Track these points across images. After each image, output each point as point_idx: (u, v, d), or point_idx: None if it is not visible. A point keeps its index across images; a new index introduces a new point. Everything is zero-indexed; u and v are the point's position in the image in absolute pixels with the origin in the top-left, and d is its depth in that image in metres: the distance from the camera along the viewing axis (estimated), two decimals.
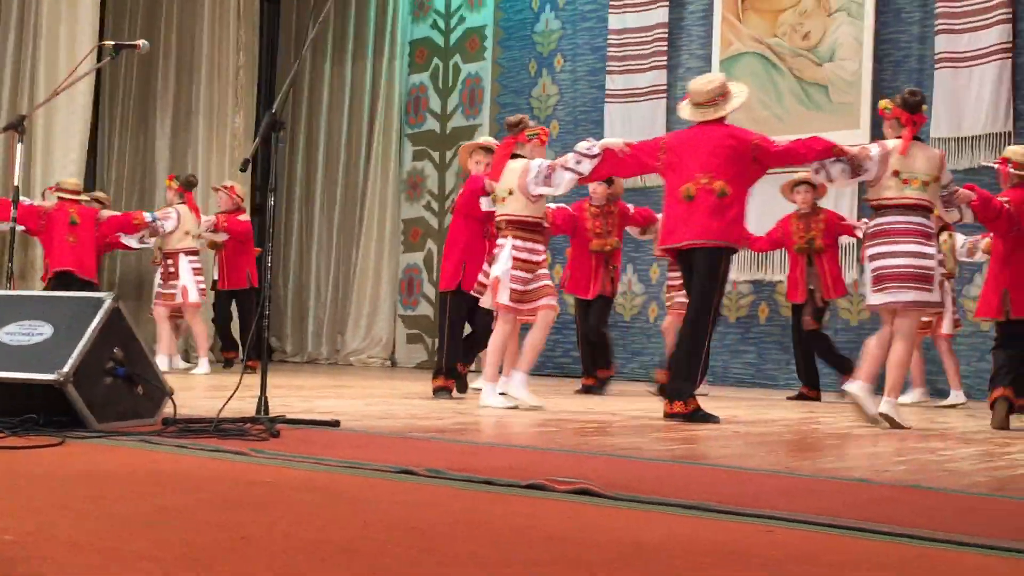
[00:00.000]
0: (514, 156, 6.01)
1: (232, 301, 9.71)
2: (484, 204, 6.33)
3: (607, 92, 11.05)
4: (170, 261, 8.97)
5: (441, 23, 12.56)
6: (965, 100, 8.98)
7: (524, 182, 5.81)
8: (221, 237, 9.25)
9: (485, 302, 6.09)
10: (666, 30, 10.73)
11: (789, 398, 8.15)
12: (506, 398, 5.88)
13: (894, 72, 9.56)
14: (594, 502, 2.57)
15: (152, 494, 2.51)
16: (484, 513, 2.43)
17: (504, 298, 5.77)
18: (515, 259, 5.80)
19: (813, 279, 7.91)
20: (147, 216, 8.92)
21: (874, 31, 9.59)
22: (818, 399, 7.95)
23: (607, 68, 11.09)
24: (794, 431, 5.18)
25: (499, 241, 5.98)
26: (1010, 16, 8.88)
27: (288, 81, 4.04)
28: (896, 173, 5.34)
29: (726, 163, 5.37)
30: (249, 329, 9.28)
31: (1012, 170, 5.91)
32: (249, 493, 2.58)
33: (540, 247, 6.08)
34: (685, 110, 5.71)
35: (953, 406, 7.66)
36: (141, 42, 4.96)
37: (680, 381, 5.32)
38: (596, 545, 2.07)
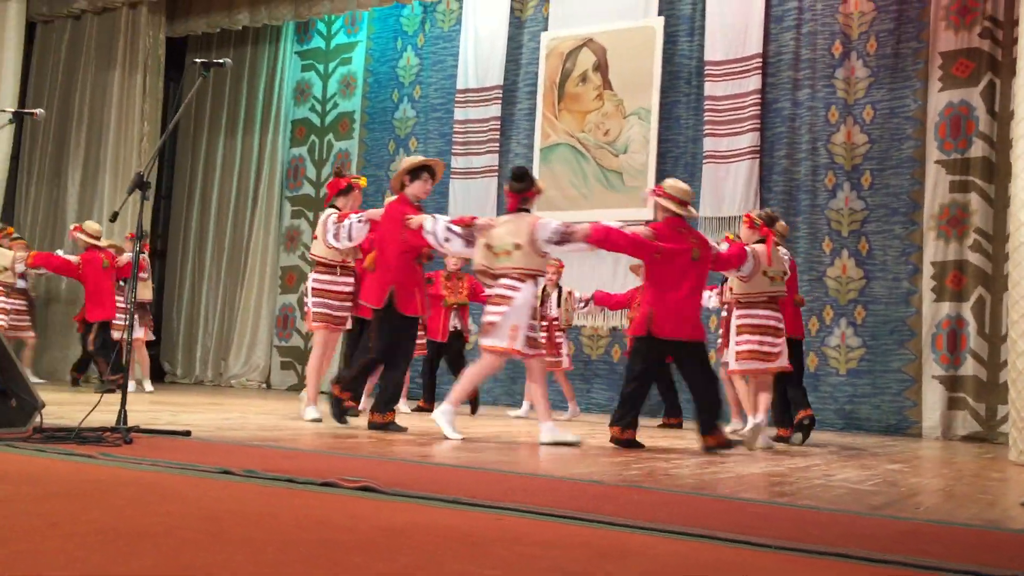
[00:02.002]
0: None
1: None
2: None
3: (452, 170, 11.18)
4: None
5: (318, 107, 12.52)
6: (724, 188, 9.43)
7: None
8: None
9: None
10: (499, 122, 10.94)
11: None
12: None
13: (673, 165, 9.97)
14: (373, 497, 2.60)
15: None
16: (278, 505, 2.43)
17: None
18: None
19: None
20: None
21: (658, 132, 9.99)
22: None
23: (452, 150, 11.22)
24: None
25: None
26: (758, 126, 9.41)
27: (155, 149, 3.99)
28: None
29: None
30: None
31: (659, 198, 5.29)
32: (78, 488, 2.52)
33: None
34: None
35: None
36: (38, 111, 4.83)
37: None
38: (356, 529, 2.11)
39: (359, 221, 5.68)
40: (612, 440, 5.07)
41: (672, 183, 5.36)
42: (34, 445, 3.39)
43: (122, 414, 3.89)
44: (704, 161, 9.64)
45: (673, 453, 4.84)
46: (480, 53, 11.09)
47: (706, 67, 9.74)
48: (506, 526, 2.20)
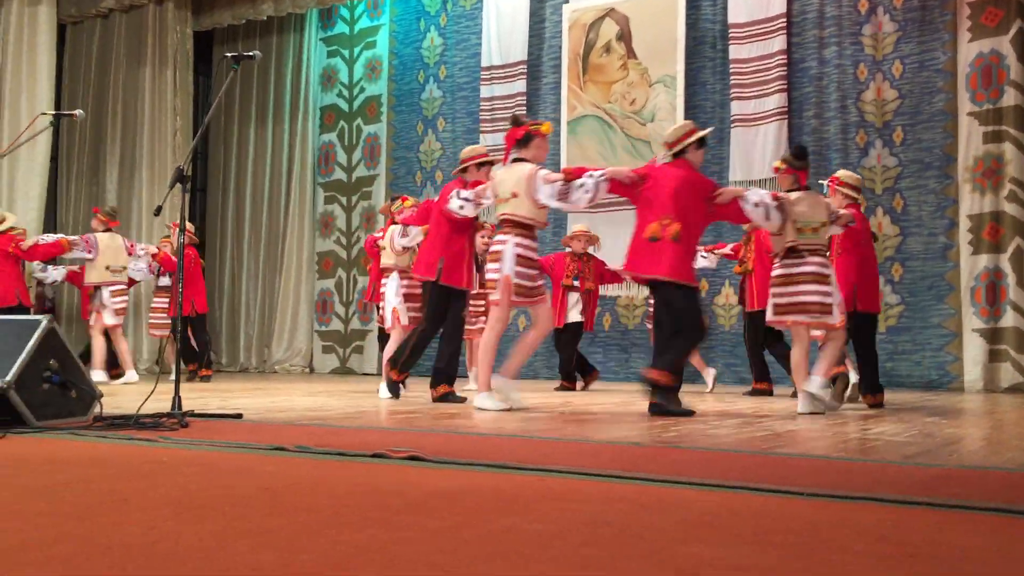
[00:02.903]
0: None
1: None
2: None
3: None
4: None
5: (345, 92, 12.64)
6: (753, 151, 9.42)
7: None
8: None
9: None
10: (525, 97, 10.97)
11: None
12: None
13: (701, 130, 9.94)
14: (421, 465, 2.72)
15: (63, 470, 2.59)
16: (330, 476, 2.56)
17: None
18: None
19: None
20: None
21: (684, 98, 9.98)
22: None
23: (480, 128, 11.28)
24: (606, 411, 5.32)
25: None
26: (785, 87, 9.38)
27: (193, 144, 4.13)
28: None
29: None
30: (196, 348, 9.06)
31: (841, 188, 5.86)
32: (142, 468, 2.67)
33: None
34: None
35: None
36: (77, 112, 4.98)
37: None
38: (406, 494, 2.22)
39: (604, 179, 5.03)
40: (872, 407, 5.78)
41: (846, 174, 5.98)
42: (96, 432, 3.56)
43: (176, 400, 4.06)
44: (732, 125, 9.62)
45: (712, 416, 4.92)
46: (503, 29, 11.13)
47: (730, 30, 9.71)
48: (550, 486, 2.31)
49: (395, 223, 6.92)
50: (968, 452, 3.23)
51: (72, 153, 12.05)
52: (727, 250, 7.95)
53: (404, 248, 6.72)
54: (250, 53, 4.37)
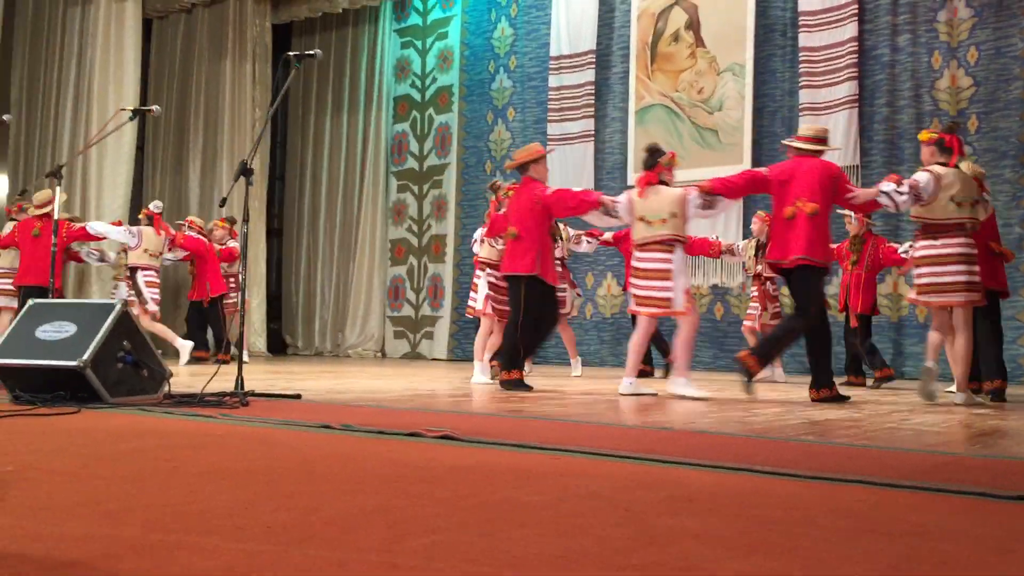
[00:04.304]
0: None
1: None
2: None
3: (548, 137, 11.39)
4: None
5: (418, 83, 12.92)
6: None
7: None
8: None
9: None
10: (593, 87, 11.09)
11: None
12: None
13: (770, 119, 9.93)
14: (452, 444, 2.91)
15: (126, 441, 2.85)
16: (366, 452, 2.77)
17: None
18: None
19: None
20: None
21: (753, 87, 9.96)
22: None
23: (548, 117, 11.43)
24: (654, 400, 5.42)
25: None
26: (856, 75, 9.28)
27: (257, 138, 4.39)
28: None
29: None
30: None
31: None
32: (199, 440, 2.92)
33: None
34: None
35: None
36: (155, 108, 5.30)
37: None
38: (429, 468, 2.41)
39: None
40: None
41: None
42: (164, 409, 3.85)
43: (239, 380, 4.33)
44: (800, 114, 9.56)
45: (758, 404, 5.00)
46: (572, 19, 11.24)
47: (800, 18, 9.63)
48: (560, 464, 2.48)
49: (662, 181, 5.78)
50: (997, 443, 3.27)
51: (157, 145, 12.64)
52: (607, 236, 7.85)
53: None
54: (311, 52, 4.61)
